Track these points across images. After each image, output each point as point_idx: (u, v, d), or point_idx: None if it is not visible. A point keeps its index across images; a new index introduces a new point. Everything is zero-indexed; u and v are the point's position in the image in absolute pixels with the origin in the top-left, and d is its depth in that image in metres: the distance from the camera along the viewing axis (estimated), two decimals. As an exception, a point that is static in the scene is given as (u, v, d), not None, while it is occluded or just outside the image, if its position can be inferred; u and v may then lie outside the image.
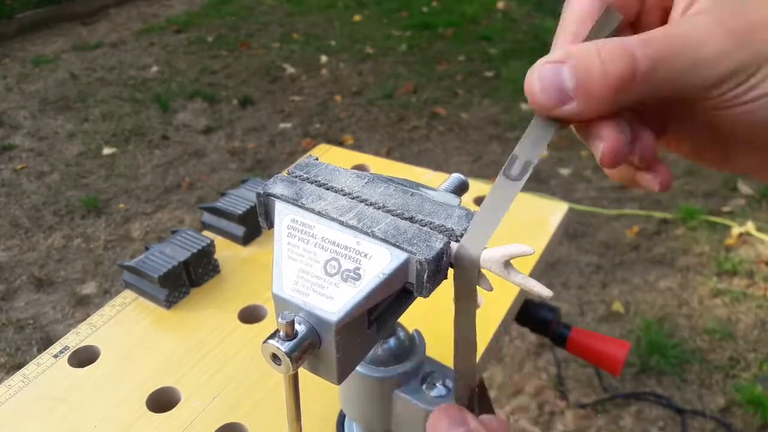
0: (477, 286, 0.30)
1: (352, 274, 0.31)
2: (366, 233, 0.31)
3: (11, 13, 3.62)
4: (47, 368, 0.59)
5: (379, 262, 0.30)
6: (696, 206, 2.02)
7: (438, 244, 0.30)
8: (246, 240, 0.75)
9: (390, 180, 0.35)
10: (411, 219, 0.32)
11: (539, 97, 0.26)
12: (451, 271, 0.31)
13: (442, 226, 0.31)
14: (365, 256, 0.31)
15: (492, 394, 1.44)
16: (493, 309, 0.63)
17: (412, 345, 0.42)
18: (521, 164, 0.28)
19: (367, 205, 0.33)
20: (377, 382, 0.41)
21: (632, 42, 0.24)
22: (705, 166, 0.34)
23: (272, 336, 0.31)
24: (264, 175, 2.25)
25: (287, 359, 0.30)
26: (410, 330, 0.43)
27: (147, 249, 0.68)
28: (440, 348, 0.56)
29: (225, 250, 0.74)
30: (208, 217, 0.77)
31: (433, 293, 0.31)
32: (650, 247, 1.89)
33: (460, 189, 0.39)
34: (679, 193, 2.12)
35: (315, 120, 2.70)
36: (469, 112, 2.72)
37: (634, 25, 0.31)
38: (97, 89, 2.97)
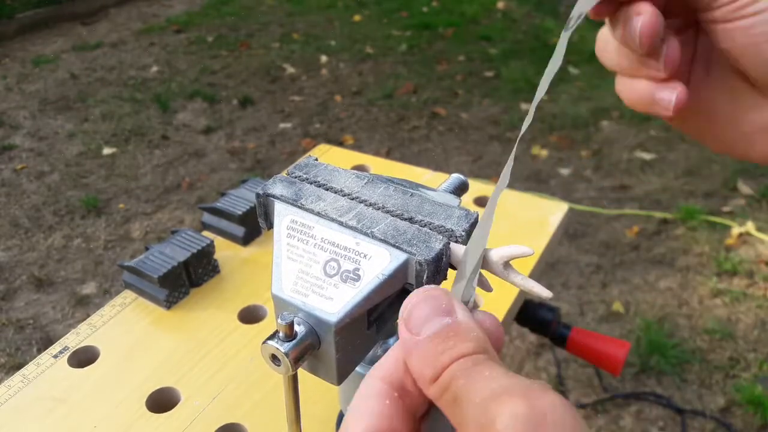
0: (477, 287, 0.30)
1: (351, 274, 0.31)
2: (365, 234, 0.31)
3: (11, 13, 3.62)
4: (47, 368, 0.59)
5: (378, 263, 0.30)
6: (696, 206, 2.02)
7: (438, 244, 0.30)
8: (246, 240, 0.75)
9: (389, 180, 0.35)
10: (411, 219, 0.32)
11: None
12: (451, 272, 0.31)
13: (442, 226, 0.31)
14: (365, 256, 0.31)
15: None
16: (493, 309, 0.63)
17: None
18: (576, 16, 0.29)
19: (366, 205, 0.33)
20: (377, 382, 0.41)
21: None
22: (717, 147, 0.35)
23: (272, 337, 0.31)
24: (264, 175, 2.25)
25: (286, 360, 0.30)
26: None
27: (147, 249, 0.68)
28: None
29: (225, 251, 0.74)
30: (208, 218, 0.77)
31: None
32: (650, 247, 1.89)
33: (460, 189, 0.39)
34: (679, 193, 2.12)
35: (315, 120, 2.70)
36: (469, 112, 2.72)
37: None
38: (97, 89, 2.97)
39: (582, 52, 2.91)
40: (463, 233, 0.31)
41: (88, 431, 0.53)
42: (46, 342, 1.62)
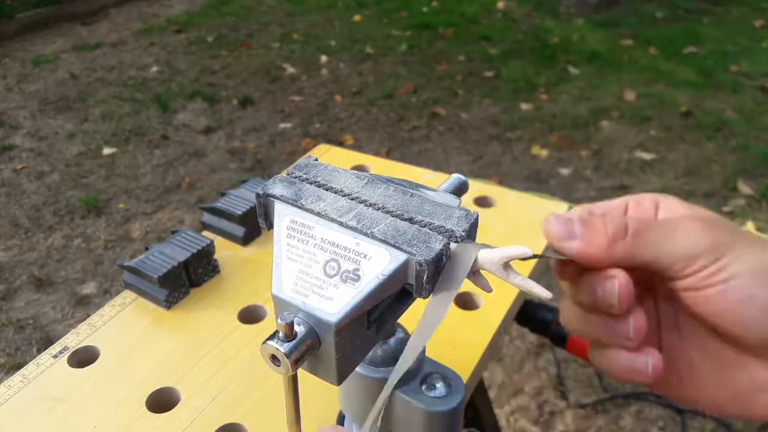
0: (476, 287, 0.30)
1: (351, 275, 0.31)
2: (365, 234, 0.31)
3: (11, 13, 3.63)
4: (47, 368, 0.59)
5: (378, 263, 0.30)
6: (696, 206, 2.02)
7: (437, 245, 0.30)
8: (246, 240, 0.75)
9: (389, 181, 0.35)
10: (410, 220, 0.32)
11: (554, 226, 0.31)
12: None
13: (442, 227, 0.31)
14: (365, 257, 0.31)
15: (492, 394, 1.44)
16: (493, 309, 0.63)
17: (411, 346, 0.42)
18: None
19: (366, 205, 0.33)
20: (377, 383, 0.41)
21: (628, 216, 0.33)
22: (716, 410, 0.35)
23: (271, 337, 0.31)
24: (264, 175, 2.25)
25: (286, 360, 0.30)
26: (410, 331, 0.43)
27: (147, 249, 0.68)
28: (440, 348, 0.56)
29: (225, 251, 0.74)
30: (208, 218, 0.77)
31: (433, 294, 0.31)
32: (650, 247, 1.89)
33: (460, 189, 0.39)
34: (679, 193, 2.12)
35: (315, 120, 2.70)
36: (469, 112, 2.72)
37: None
38: (97, 89, 2.97)
39: (582, 52, 2.91)
40: (463, 233, 0.31)
41: (88, 431, 0.53)
42: (46, 342, 1.62)
